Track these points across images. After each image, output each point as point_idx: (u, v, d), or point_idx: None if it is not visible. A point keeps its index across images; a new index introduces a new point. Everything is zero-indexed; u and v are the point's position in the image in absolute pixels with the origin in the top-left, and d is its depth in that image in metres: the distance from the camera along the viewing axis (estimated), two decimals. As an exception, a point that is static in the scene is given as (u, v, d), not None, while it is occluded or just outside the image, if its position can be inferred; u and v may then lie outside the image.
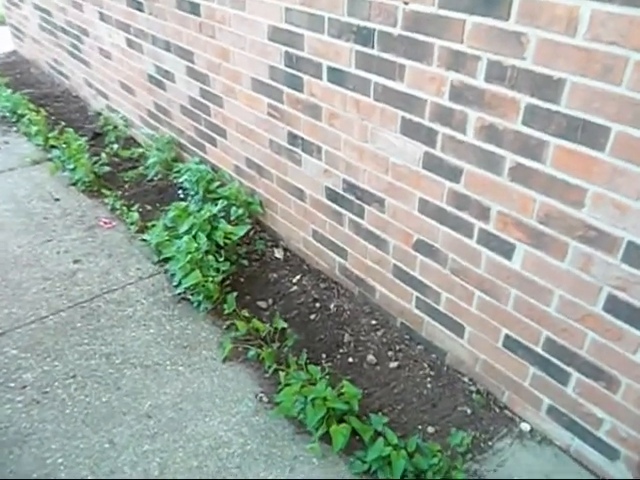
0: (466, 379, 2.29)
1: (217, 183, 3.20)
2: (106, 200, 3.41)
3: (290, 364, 2.27)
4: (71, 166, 3.59)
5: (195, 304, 2.61)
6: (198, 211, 2.89)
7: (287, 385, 2.12)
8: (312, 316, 2.61)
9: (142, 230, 3.12)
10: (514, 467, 1.97)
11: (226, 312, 2.55)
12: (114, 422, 2.08)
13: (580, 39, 1.50)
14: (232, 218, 2.94)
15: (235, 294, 2.61)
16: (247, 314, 2.55)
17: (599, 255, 1.67)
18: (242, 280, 2.82)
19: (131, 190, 3.57)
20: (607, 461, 1.89)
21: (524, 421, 2.12)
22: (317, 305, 2.67)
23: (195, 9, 2.95)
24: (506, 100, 1.72)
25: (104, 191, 3.49)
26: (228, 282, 2.74)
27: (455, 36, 1.79)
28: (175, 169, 3.52)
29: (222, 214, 2.92)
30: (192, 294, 2.62)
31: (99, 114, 4.56)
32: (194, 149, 3.56)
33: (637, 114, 1.44)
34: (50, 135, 3.99)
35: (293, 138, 2.66)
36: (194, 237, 2.69)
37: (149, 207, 3.39)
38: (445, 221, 2.09)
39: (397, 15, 1.93)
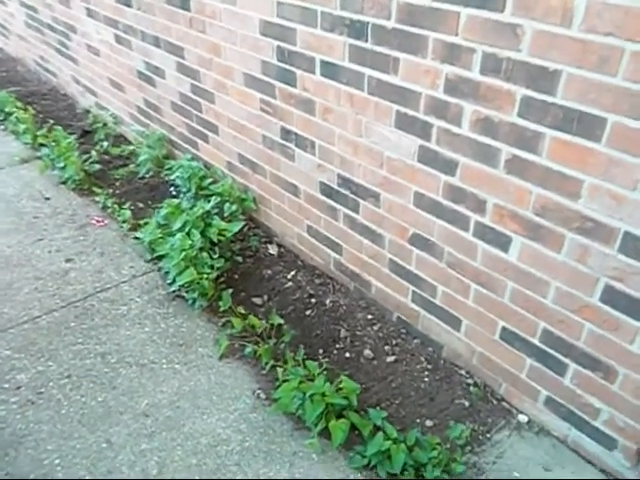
0: (463, 372, 2.29)
1: (209, 180, 3.18)
2: (97, 198, 3.38)
3: (287, 360, 2.27)
4: (61, 164, 3.55)
5: (190, 301, 2.60)
6: (191, 208, 2.87)
7: (285, 381, 2.11)
8: (308, 312, 2.60)
9: (134, 228, 3.10)
10: (512, 458, 1.98)
11: (221, 309, 2.54)
12: (111, 422, 2.06)
13: (576, 30, 1.50)
14: (225, 215, 2.93)
15: (230, 291, 2.60)
16: (243, 311, 2.54)
17: (596, 246, 1.67)
18: (237, 277, 2.81)
19: (122, 188, 3.54)
20: (605, 451, 1.91)
21: (521, 413, 2.13)
22: (313, 301, 2.67)
23: (185, 4, 2.92)
24: (502, 92, 1.72)
25: (95, 189, 3.45)
26: (223, 279, 2.73)
27: (450, 28, 1.78)
28: (166, 166, 3.50)
29: (215, 211, 2.90)
30: (187, 291, 2.60)
31: (88, 111, 4.50)
32: (186, 146, 3.53)
33: (633, 105, 1.45)
34: (38, 133, 3.94)
35: (286, 133, 2.65)
36: (188, 234, 2.67)
37: (141, 205, 3.37)
38: (441, 214, 2.09)
39: (391, 8, 1.92)
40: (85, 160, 3.65)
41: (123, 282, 2.75)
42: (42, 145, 3.82)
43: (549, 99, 1.61)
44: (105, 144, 3.97)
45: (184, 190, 3.24)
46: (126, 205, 3.30)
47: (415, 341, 2.44)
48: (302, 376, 2.11)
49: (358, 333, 2.49)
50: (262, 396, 2.18)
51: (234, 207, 2.96)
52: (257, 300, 2.67)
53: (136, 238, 3.02)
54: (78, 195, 3.44)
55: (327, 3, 2.14)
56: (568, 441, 2.02)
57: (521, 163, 1.76)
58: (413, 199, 2.17)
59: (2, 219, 3.18)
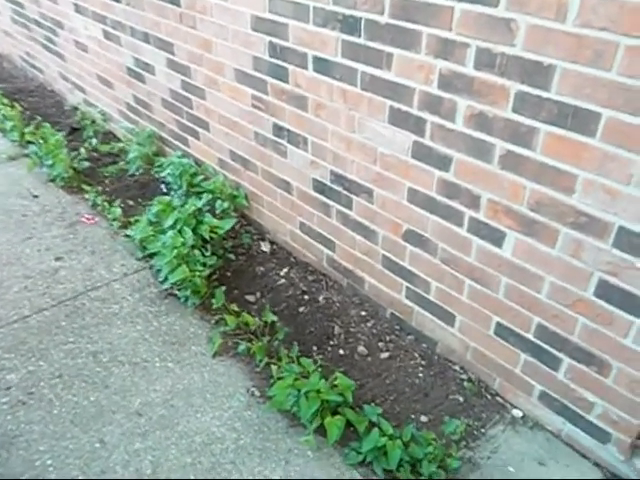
0: (457, 367, 2.30)
1: (201, 177, 3.16)
2: (86, 196, 3.34)
3: (281, 357, 2.26)
4: (49, 162, 3.50)
5: (182, 299, 2.58)
6: (182, 206, 2.84)
7: (279, 378, 2.11)
8: (301, 309, 2.59)
9: (125, 226, 3.07)
10: (507, 453, 1.99)
11: (214, 307, 2.52)
12: (104, 421, 2.04)
13: (570, 25, 1.50)
14: (217, 212, 2.91)
15: (223, 288, 2.58)
16: (236, 308, 2.52)
17: (590, 241, 1.68)
18: (229, 274, 2.79)
19: (112, 185, 3.51)
20: (598, 444, 1.92)
21: (516, 407, 2.14)
22: (306, 297, 2.66)
23: (175, -1, 2.89)
24: (496, 87, 1.72)
25: (84, 187, 3.41)
26: (215, 277, 2.71)
27: (443, 23, 1.78)
28: (157, 163, 3.47)
29: (207, 208, 2.89)
30: (179, 289, 2.58)
31: (76, 108, 4.45)
32: (176, 143, 3.50)
33: (628, 99, 1.45)
34: (26, 130, 3.88)
35: (278, 130, 2.63)
36: (179, 232, 2.64)
37: (131, 202, 3.33)
38: (435, 210, 2.09)
39: (384, 2, 1.91)
40: (74, 157, 3.61)
41: (114, 280, 2.72)
42: (30, 142, 3.76)
43: (544, 94, 1.61)
44: (94, 141, 3.93)
45: (175, 187, 3.21)
46: (116, 203, 3.26)
47: (409, 337, 2.44)
48: (297, 373, 2.10)
49: (352, 330, 2.48)
50: (256, 394, 2.17)
51: (226, 204, 2.94)
52: (250, 297, 2.65)
53: (127, 236, 2.99)
54: (67, 193, 3.40)
55: (320, -2, 2.13)
56: (562, 435, 2.03)
57: (515, 158, 1.76)
58: (407, 195, 2.17)
59: (-10, 217, 3.14)
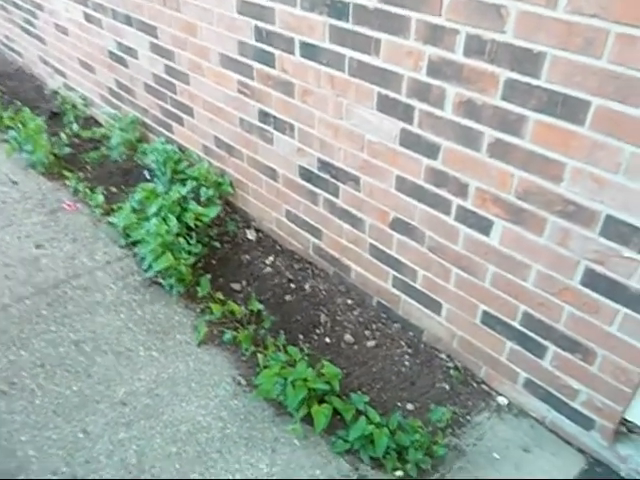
0: (443, 356, 2.30)
1: (185, 163, 3.11)
2: (68, 182, 3.27)
3: (268, 346, 2.24)
4: (29, 147, 3.42)
5: (167, 288, 2.54)
6: (166, 193, 2.80)
7: (265, 367, 2.09)
8: (287, 297, 2.57)
9: (107, 213, 3.02)
10: (492, 440, 2.00)
11: (200, 295, 2.50)
12: (87, 411, 2.01)
13: (561, 12, 1.48)
14: (202, 199, 2.87)
15: (208, 277, 2.56)
16: (221, 297, 2.50)
17: (577, 229, 1.68)
18: (214, 262, 2.76)
19: (94, 172, 3.44)
20: (582, 431, 1.94)
21: (501, 395, 2.16)
22: (292, 286, 2.64)
23: (158, -19, 2.83)
24: (485, 75, 1.71)
25: (65, 173, 3.34)
26: (200, 265, 2.68)
27: (433, 9, 1.75)
28: (140, 150, 3.41)
29: (191, 195, 2.84)
30: (163, 278, 2.55)
31: (56, 93, 4.36)
32: (160, 129, 3.44)
33: (618, 87, 1.44)
34: (5, 115, 3.80)
35: (264, 116, 2.60)
36: (164, 219, 2.60)
37: (114, 189, 3.28)
38: (422, 198, 2.08)
39: (373, -13, 1.88)
40: (54, 143, 3.53)
41: (97, 268, 2.68)
42: (9, 127, 3.67)
43: (533, 82, 1.60)
44: (75, 126, 3.85)
45: (159, 174, 3.15)
46: (98, 189, 3.20)
47: (395, 325, 2.44)
48: (283, 362, 2.09)
49: (338, 318, 2.48)
50: (242, 382, 2.15)
51: (211, 191, 2.90)
52: (236, 286, 2.63)
53: (110, 223, 2.94)
54: (47, 179, 3.33)
55: (307, -19, 2.09)
56: (547, 422, 2.05)
57: (504, 146, 1.75)
58: (394, 183, 2.15)
59: (-32, 204, 3.06)
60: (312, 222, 2.64)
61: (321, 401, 1.99)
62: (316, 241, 2.68)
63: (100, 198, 3.09)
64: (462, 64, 1.75)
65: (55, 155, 3.43)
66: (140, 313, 2.44)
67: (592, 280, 1.71)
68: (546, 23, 1.52)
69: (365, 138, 2.17)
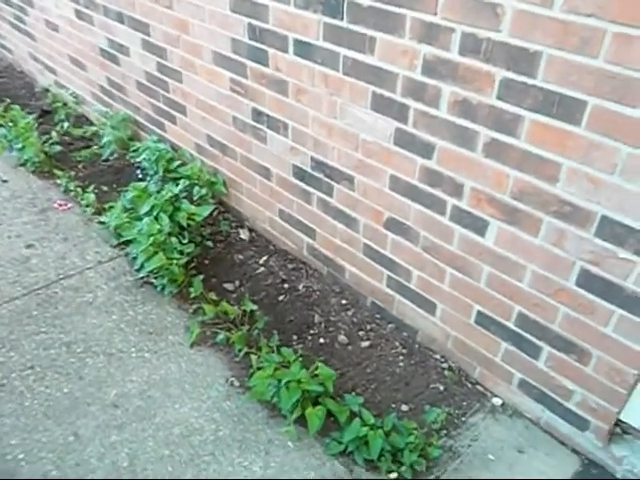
0: (438, 356, 2.29)
1: (178, 162, 3.08)
2: (58, 181, 3.24)
3: (261, 347, 2.22)
4: (19, 146, 3.38)
5: (159, 288, 2.52)
6: (158, 192, 2.77)
7: (259, 368, 2.07)
8: (281, 297, 2.56)
9: (99, 212, 2.98)
10: (487, 441, 1.99)
11: (192, 295, 2.47)
12: (78, 413, 1.99)
13: (557, 11, 1.47)
14: (195, 198, 2.85)
15: (201, 277, 2.53)
16: (214, 297, 2.47)
17: (572, 230, 1.67)
18: (207, 262, 2.74)
19: (85, 170, 3.41)
20: (577, 432, 1.94)
21: (496, 396, 2.15)
22: (285, 286, 2.62)
23: (150, -22, 2.79)
24: (481, 74, 1.69)
25: (56, 172, 3.30)
26: (193, 265, 2.66)
27: (428, 7, 1.74)
28: (132, 148, 3.37)
29: (184, 194, 2.82)
30: (155, 278, 2.52)
31: (47, 90, 4.31)
32: (152, 127, 3.41)
33: (614, 87, 1.43)
34: (-6, 113, 3.76)
35: (258, 115, 2.57)
36: (156, 218, 2.58)
37: (105, 188, 3.24)
38: (417, 198, 2.07)
39: (368, -15, 1.86)
40: (45, 141, 3.50)
41: (88, 268, 2.65)
42: (-2, 125, 3.63)
43: (529, 81, 1.59)
44: (66, 125, 3.80)
45: (151, 173, 3.13)
46: (90, 188, 3.17)
47: (390, 326, 2.43)
48: (277, 363, 2.07)
49: (332, 318, 2.46)
50: (236, 384, 2.13)
51: (203, 191, 2.88)
52: (229, 286, 2.61)
53: (101, 223, 2.91)
54: (38, 178, 3.29)
55: (301, -21, 2.07)
56: (541, 423, 2.04)
57: (499, 146, 1.74)
58: (389, 182, 2.14)
59: (-44, 203, 3.02)
60: (306, 222, 2.62)
61: (315, 403, 1.97)
62: (310, 241, 2.66)
63: (91, 197, 3.06)
64: (457, 63, 1.73)
65: (46, 153, 3.40)
66: (132, 314, 2.42)
67: (587, 281, 1.70)
68: (542, 22, 1.51)
69: (359, 137, 2.16)
